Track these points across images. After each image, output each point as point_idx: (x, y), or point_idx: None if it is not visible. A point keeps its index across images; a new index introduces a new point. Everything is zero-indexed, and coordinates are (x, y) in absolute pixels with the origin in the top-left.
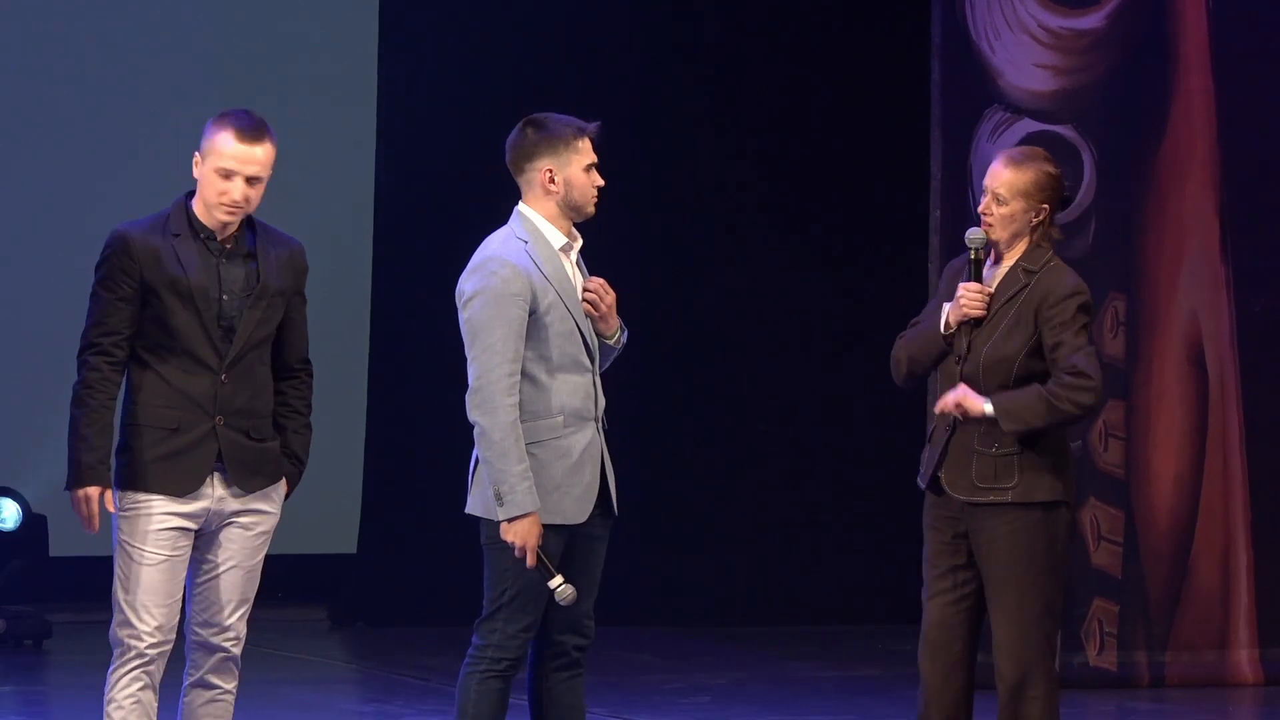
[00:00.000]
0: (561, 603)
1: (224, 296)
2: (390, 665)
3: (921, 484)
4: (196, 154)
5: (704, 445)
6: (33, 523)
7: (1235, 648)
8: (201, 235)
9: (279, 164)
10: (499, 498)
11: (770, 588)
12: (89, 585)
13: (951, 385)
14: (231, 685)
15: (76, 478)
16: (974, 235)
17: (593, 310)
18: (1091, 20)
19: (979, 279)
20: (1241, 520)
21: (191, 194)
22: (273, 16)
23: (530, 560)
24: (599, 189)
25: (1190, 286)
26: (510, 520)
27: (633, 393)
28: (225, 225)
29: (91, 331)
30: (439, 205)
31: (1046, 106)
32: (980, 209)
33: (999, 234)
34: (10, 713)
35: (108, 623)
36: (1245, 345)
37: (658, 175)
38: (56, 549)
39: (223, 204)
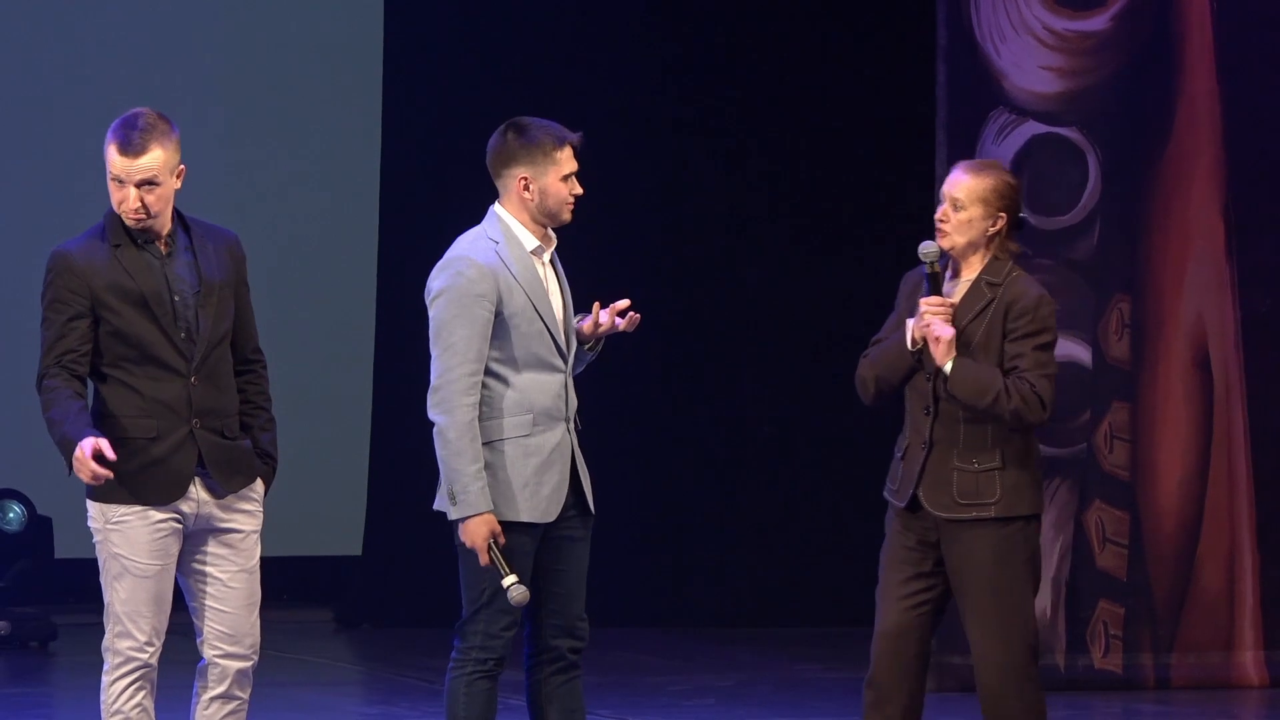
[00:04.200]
0: (512, 603)
1: (175, 299)
2: (396, 667)
3: (900, 502)
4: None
5: (708, 446)
6: (38, 524)
7: (1241, 649)
8: (139, 240)
9: (285, 163)
10: (452, 497)
11: (775, 589)
12: (94, 587)
13: (923, 403)
14: (249, 693)
15: (68, 449)
16: (928, 249)
17: (588, 329)
18: (1096, 22)
19: (939, 292)
20: (1247, 522)
21: None
22: (278, 17)
23: (483, 559)
24: (578, 197)
25: (1195, 288)
26: (463, 519)
27: (637, 393)
28: (146, 229)
29: (48, 356)
30: (445, 207)
31: (1051, 108)
32: (937, 216)
33: (955, 241)
34: (15, 714)
35: None
36: (1250, 347)
37: (661, 176)
38: (62, 551)
39: (123, 211)
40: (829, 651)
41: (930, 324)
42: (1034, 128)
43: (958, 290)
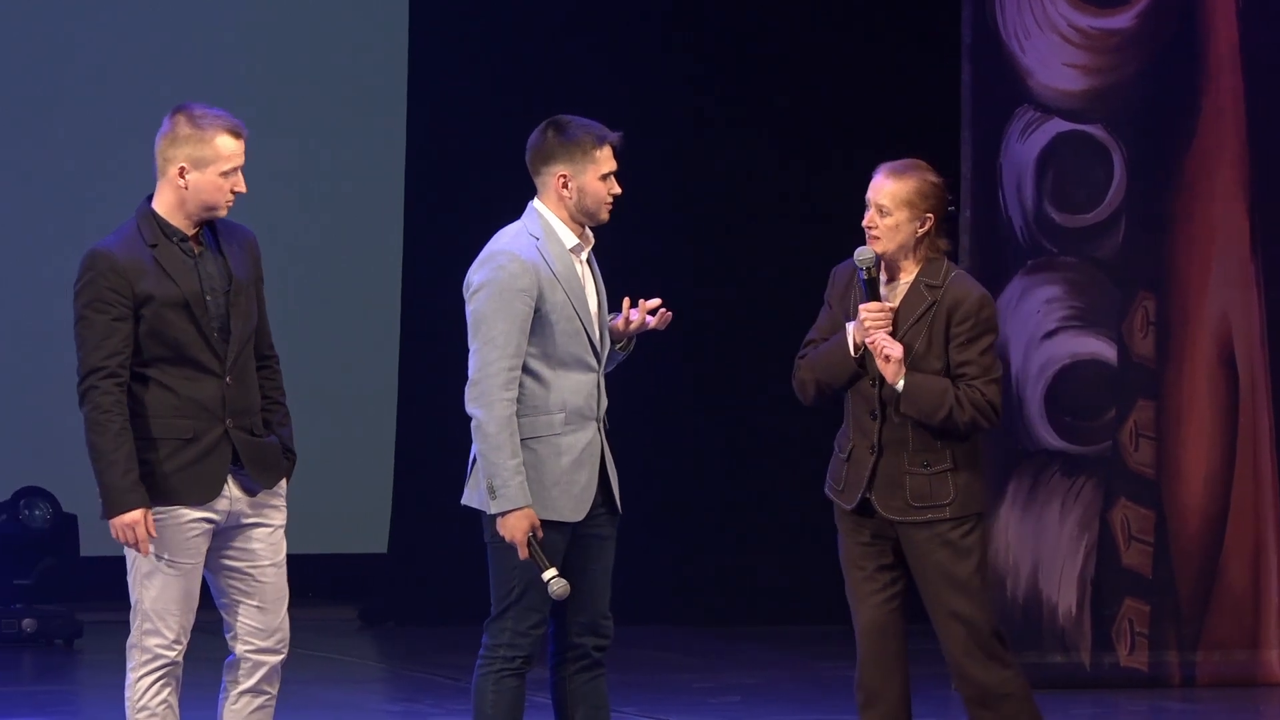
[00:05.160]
0: (554, 596)
1: (209, 298)
2: (420, 665)
3: (848, 505)
4: (182, 164)
5: (732, 444)
6: (64, 522)
7: (1266, 647)
8: (175, 239)
9: (310, 160)
10: (492, 491)
11: (799, 586)
12: (120, 585)
13: (869, 407)
14: (277, 688)
15: (116, 503)
16: (864, 254)
17: (621, 327)
18: (1121, 19)
19: (877, 297)
20: (1272, 520)
21: (149, 198)
22: (302, 14)
23: (522, 553)
24: (615, 197)
25: (1220, 286)
26: (502, 514)
27: (655, 392)
28: (199, 224)
29: (94, 356)
30: (470, 205)
31: (1076, 106)
32: (865, 222)
33: (885, 246)
34: (41, 712)
35: None
36: (1276, 344)
37: (677, 174)
38: (87, 549)
39: (233, 196)
40: (846, 649)
41: (877, 341)
42: (1059, 125)
43: (896, 294)
